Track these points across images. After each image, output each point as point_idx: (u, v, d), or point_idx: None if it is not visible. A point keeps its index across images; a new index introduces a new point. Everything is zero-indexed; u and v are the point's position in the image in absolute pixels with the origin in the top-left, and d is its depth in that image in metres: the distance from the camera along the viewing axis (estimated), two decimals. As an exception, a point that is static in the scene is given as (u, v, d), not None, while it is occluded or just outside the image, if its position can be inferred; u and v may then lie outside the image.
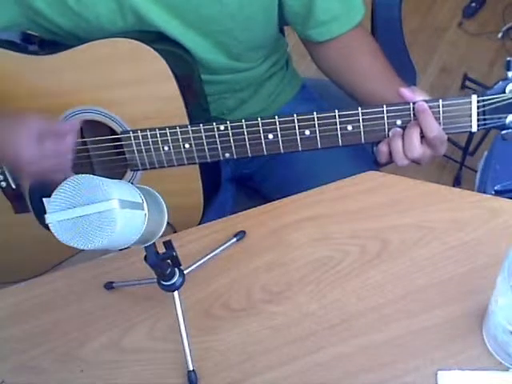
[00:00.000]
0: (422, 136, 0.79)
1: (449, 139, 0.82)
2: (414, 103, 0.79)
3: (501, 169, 1.22)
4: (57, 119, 0.90)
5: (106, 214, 0.53)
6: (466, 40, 2.22)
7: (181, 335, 0.74)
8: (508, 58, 0.76)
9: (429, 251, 0.78)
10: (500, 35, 2.19)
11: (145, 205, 0.59)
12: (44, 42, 0.95)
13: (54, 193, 0.54)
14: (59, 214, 0.53)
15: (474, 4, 2.28)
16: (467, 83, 2.02)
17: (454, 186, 1.81)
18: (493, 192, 1.19)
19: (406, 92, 0.79)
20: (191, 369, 0.74)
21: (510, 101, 0.76)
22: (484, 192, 1.17)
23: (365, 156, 1.04)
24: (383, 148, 0.82)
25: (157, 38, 0.88)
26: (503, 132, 0.79)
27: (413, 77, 1.18)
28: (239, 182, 1.17)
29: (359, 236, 0.81)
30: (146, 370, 0.76)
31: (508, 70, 0.76)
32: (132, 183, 0.70)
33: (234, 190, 1.16)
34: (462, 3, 2.31)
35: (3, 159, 0.89)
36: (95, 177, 0.54)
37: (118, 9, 0.86)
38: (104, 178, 0.55)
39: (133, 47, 0.85)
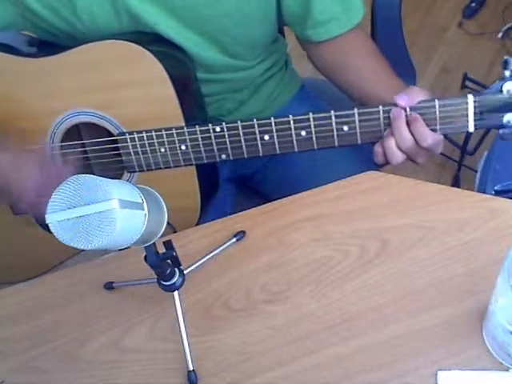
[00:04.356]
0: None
1: (448, 139, 0.81)
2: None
3: (501, 169, 1.22)
4: (53, 122, 0.90)
5: (106, 213, 0.53)
6: (466, 40, 2.22)
7: (181, 335, 0.74)
8: (505, 57, 0.75)
9: (429, 251, 0.78)
10: (500, 35, 2.19)
11: (145, 205, 0.59)
12: (43, 43, 0.95)
13: (54, 193, 0.54)
14: (59, 214, 0.53)
15: (473, 4, 2.28)
16: (467, 83, 2.02)
17: (453, 185, 1.81)
18: (493, 192, 1.19)
19: (400, 102, 0.78)
20: (191, 369, 0.74)
21: (506, 100, 0.76)
22: (484, 192, 1.17)
23: (365, 156, 1.04)
24: (378, 149, 0.82)
25: (153, 40, 0.88)
26: (501, 131, 0.79)
27: (413, 77, 1.18)
28: (239, 183, 1.17)
29: (359, 236, 0.81)
30: (146, 369, 0.76)
31: (505, 68, 0.75)
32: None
33: (233, 190, 1.16)
34: (461, 3, 2.30)
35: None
36: (95, 177, 0.54)
37: (112, 10, 0.86)
38: (104, 178, 0.54)
39: (128, 49, 0.85)
